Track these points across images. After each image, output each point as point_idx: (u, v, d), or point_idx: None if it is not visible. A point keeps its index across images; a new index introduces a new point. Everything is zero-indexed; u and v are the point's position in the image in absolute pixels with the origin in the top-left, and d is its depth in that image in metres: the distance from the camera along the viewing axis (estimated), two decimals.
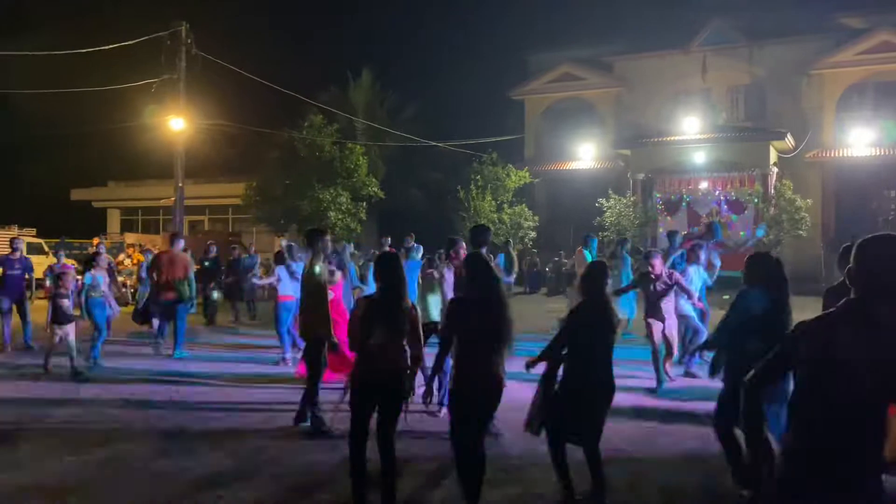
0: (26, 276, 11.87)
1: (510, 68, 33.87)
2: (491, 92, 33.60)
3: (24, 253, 12.66)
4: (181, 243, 11.39)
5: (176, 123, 21.42)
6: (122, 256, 22.51)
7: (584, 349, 4.79)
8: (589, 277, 4.99)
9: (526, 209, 26.64)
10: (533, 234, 26.90)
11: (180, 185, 21.99)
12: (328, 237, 7.09)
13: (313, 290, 6.75)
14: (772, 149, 25.58)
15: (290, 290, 10.10)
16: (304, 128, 26.40)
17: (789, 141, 25.73)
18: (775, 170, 25.43)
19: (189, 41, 21.21)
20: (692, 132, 25.58)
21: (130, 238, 29.51)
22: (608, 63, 30.70)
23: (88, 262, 10.63)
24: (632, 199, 25.76)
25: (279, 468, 5.73)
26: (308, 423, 6.71)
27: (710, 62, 27.75)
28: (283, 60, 39.84)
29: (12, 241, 12.04)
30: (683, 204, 26.40)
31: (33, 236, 27.83)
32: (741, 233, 25.05)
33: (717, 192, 25.91)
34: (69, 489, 5.26)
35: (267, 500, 5.05)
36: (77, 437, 6.56)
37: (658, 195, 26.76)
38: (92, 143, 36.93)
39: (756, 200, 24.76)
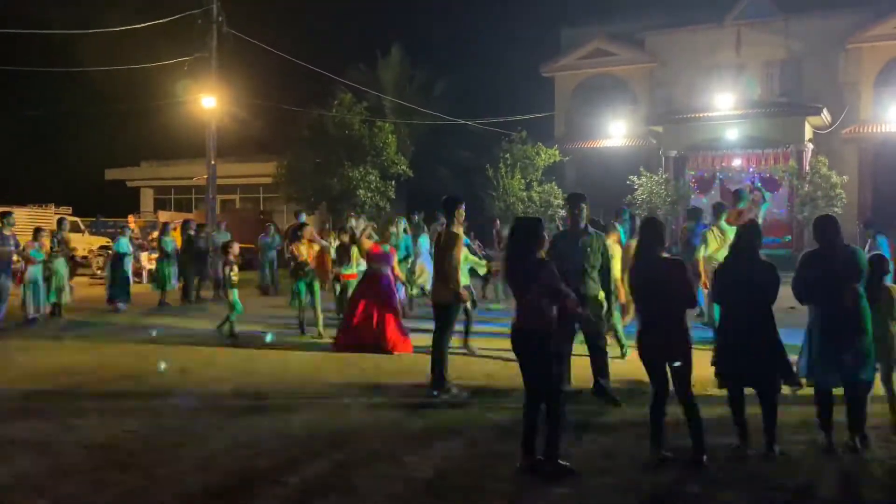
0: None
1: (541, 44, 33.80)
2: (521, 69, 33.53)
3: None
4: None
5: (207, 102, 21.72)
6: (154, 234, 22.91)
7: None
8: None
9: (556, 187, 26.62)
10: (562, 213, 26.88)
11: (212, 162, 22.34)
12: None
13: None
14: (807, 125, 25.24)
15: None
16: (334, 106, 26.59)
17: (825, 117, 25.36)
18: (810, 146, 25.11)
19: (220, 19, 21.46)
20: (726, 108, 25.31)
21: (164, 216, 30.07)
22: (640, 38, 30.42)
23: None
24: (664, 176, 25.63)
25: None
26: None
27: (744, 36, 27.37)
28: (313, 38, 40.03)
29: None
30: (716, 181, 26.21)
31: (69, 214, 28.50)
32: (776, 211, 24.80)
33: (751, 169, 25.67)
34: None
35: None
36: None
37: (691, 172, 26.59)
38: (125, 122, 37.55)
39: (790, 177, 24.48)
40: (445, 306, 7.18)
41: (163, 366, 8.68)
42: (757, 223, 5.75)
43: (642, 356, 5.22)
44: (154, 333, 11.19)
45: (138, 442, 5.74)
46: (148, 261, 18.74)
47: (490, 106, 31.05)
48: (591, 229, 6.93)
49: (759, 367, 5.21)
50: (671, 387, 5.12)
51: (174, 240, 15.68)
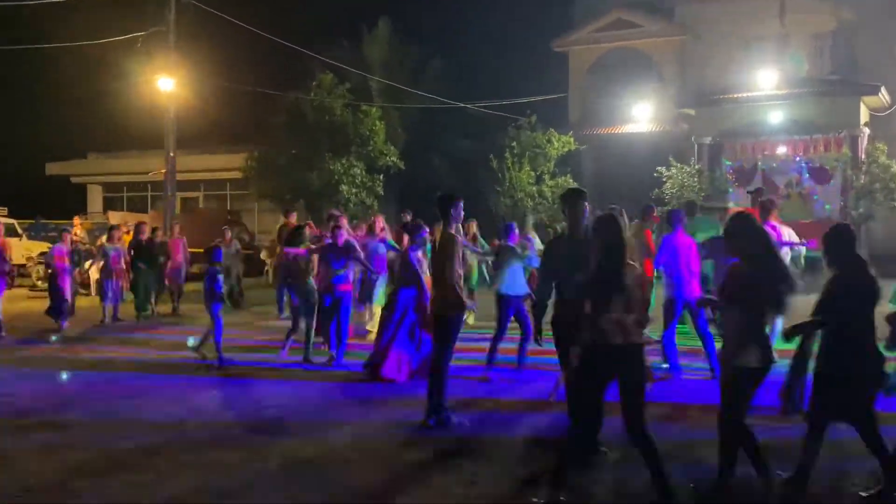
0: None
1: (552, 15, 33.78)
2: (529, 43, 33.47)
3: None
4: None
5: (165, 84, 21.76)
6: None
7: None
8: (839, 240, 5.42)
9: (570, 180, 26.60)
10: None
11: (171, 154, 22.37)
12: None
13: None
14: (863, 106, 25.25)
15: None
16: (312, 88, 26.60)
17: (884, 96, 25.38)
18: (867, 130, 25.13)
19: None
20: (768, 87, 25.31)
21: (115, 217, 30.04)
22: (669, 6, 30.49)
23: None
24: (696, 167, 25.63)
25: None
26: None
27: (789, 4, 27.37)
28: (288, 10, 40.05)
29: None
30: (758, 172, 26.23)
31: (4, 216, 28.48)
32: (827, 206, 24.85)
33: (798, 159, 25.68)
34: None
35: None
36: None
37: (728, 162, 26.59)
38: (69, 108, 37.48)
39: (844, 167, 24.50)
40: (445, 320, 7.19)
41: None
42: (849, 226, 5.77)
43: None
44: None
45: None
46: (97, 270, 18.67)
47: (494, 87, 31.07)
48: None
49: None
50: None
51: (119, 248, 15.57)
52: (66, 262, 14.57)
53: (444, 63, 33.38)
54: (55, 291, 14.43)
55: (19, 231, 26.28)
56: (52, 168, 39.67)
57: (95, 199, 40.43)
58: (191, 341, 10.90)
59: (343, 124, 26.28)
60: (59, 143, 38.60)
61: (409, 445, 6.66)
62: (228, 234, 17.20)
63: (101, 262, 15.49)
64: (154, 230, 16.71)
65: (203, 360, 10.47)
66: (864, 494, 5.30)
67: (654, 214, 11.56)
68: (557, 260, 6.39)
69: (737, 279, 5.15)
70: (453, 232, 7.30)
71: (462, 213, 7.43)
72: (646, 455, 4.93)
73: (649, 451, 4.91)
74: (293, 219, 16.56)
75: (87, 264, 16.99)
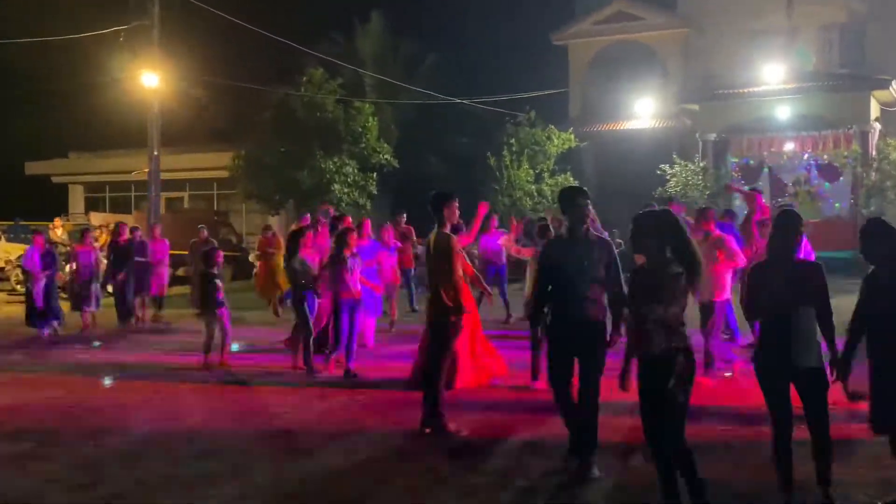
0: None
1: (551, 7, 33.75)
2: (528, 37, 33.50)
3: None
4: None
5: (149, 80, 21.69)
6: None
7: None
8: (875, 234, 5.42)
9: (571, 178, 26.60)
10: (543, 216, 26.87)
11: (155, 153, 22.30)
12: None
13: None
14: (873, 101, 25.28)
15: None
16: (303, 84, 26.53)
17: (894, 91, 25.39)
18: (877, 126, 25.15)
19: None
20: (775, 82, 25.33)
21: (97, 218, 29.94)
22: None
23: None
24: (701, 164, 25.64)
25: None
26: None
27: None
28: (276, 4, 40.01)
29: None
30: (764, 170, 26.23)
31: None
32: (836, 204, 24.86)
33: (806, 156, 25.72)
34: None
35: None
36: None
37: (733, 159, 26.62)
38: (50, 106, 37.37)
39: (853, 164, 24.50)
40: (443, 325, 7.16)
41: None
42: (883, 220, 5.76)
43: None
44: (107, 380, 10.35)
45: None
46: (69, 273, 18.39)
47: (491, 82, 31.06)
48: (592, 234, 6.75)
49: None
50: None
51: (91, 252, 15.14)
52: (38, 266, 14.00)
53: (440, 58, 33.36)
54: (28, 297, 14.25)
55: None
56: (32, 167, 39.57)
57: (77, 199, 40.32)
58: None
59: (334, 121, 26.22)
60: (39, 142, 38.50)
61: (403, 455, 6.63)
62: (204, 233, 16.95)
63: (74, 266, 15.10)
64: (133, 231, 16.32)
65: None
66: None
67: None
68: (556, 262, 6.16)
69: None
70: (448, 232, 7.26)
71: (457, 212, 7.40)
72: (683, 464, 4.86)
73: (687, 460, 4.83)
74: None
75: (67, 268, 16.85)
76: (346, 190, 25.89)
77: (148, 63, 21.66)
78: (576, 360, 6.00)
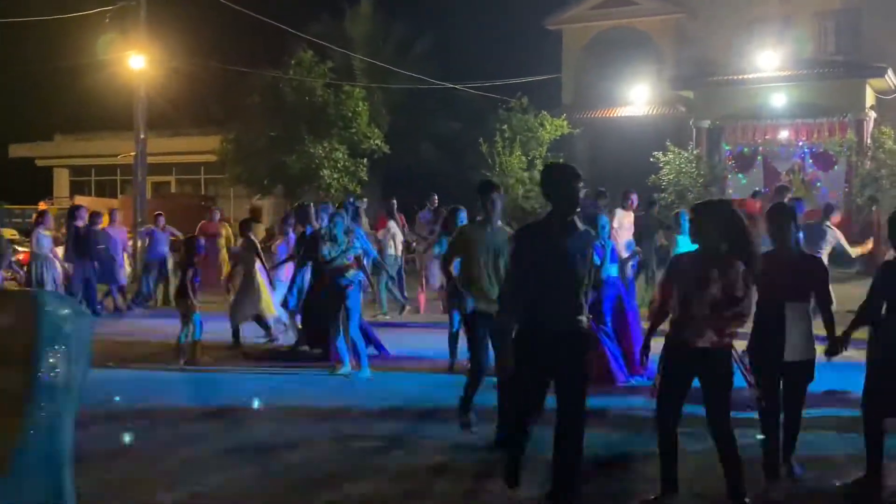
0: None
1: None
2: (521, 21, 33.41)
3: None
4: None
5: (136, 61, 21.56)
6: None
7: None
8: None
9: None
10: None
11: (142, 136, 22.20)
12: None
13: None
14: (869, 89, 25.29)
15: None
16: (291, 66, 26.42)
17: (890, 79, 25.42)
18: (873, 115, 25.18)
19: None
20: (770, 69, 25.33)
21: (83, 202, 29.83)
22: None
23: None
24: (695, 152, 25.65)
25: None
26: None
27: None
28: None
29: None
30: (758, 158, 26.27)
31: None
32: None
33: (801, 143, 25.73)
34: None
35: None
36: None
37: (727, 147, 26.61)
38: (34, 87, 37.17)
39: (848, 152, 24.57)
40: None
41: None
42: None
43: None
44: None
45: None
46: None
47: (484, 67, 30.94)
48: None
49: None
50: None
51: (48, 236, 14.12)
52: None
53: (432, 41, 33.25)
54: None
55: None
56: (16, 150, 39.43)
57: (62, 183, 40.21)
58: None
59: (324, 105, 26.14)
60: (23, 124, 38.31)
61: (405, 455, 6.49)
62: (162, 221, 16.34)
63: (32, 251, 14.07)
64: (93, 216, 15.05)
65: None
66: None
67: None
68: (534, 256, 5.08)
69: None
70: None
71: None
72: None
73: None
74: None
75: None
76: (335, 175, 25.83)
77: (135, 44, 21.52)
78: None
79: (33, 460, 2.60)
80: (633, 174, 25.54)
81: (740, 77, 25.99)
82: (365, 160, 26.68)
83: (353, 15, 33.36)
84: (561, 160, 26.63)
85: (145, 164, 22.73)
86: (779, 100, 25.25)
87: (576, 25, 31.75)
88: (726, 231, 4.85)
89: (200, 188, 37.46)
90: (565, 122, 27.40)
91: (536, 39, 32.51)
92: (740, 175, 26.07)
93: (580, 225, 5.12)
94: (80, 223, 14.43)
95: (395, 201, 16.63)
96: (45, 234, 13.88)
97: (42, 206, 25.37)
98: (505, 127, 26.62)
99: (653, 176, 24.75)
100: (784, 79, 25.19)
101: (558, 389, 4.94)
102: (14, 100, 37.72)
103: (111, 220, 16.21)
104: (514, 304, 5.02)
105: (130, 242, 19.22)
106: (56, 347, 2.64)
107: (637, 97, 29.45)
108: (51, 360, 2.62)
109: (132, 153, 22.96)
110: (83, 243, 14.27)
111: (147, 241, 16.63)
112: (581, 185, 5.10)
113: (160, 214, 16.67)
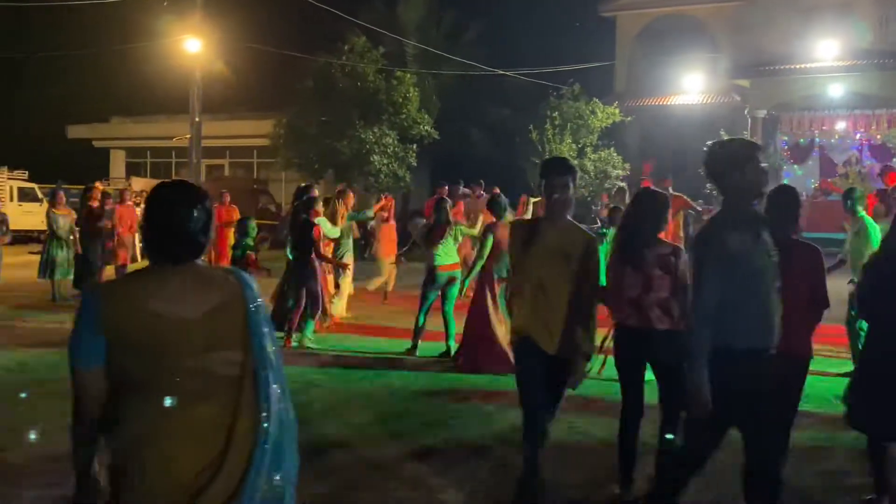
0: None
1: None
2: (574, 7, 33.24)
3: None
4: None
5: (192, 45, 21.90)
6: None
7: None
8: None
9: (615, 154, 26.46)
10: (623, 185, 26.73)
11: (197, 119, 22.56)
12: None
13: None
14: None
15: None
16: (344, 52, 26.61)
17: None
18: None
19: None
20: (828, 58, 24.97)
21: (138, 184, 30.39)
22: None
23: None
24: None
25: None
26: None
27: None
28: None
29: None
30: (815, 149, 25.93)
31: (24, 180, 28.95)
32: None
33: (858, 135, 25.36)
34: None
35: None
36: None
37: (783, 137, 26.35)
38: (93, 69, 37.88)
39: None
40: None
41: None
42: None
43: None
44: None
45: None
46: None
47: (535, 54, 30.87)
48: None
49: None
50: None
51: (67, 215, 14.38)
52: None
53: (483, 27, 33.23)
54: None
55: (40, 196, 26.69)
56: (74, 131, 40.15)
57: (118, 164, 40.87)
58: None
59: (375, 91, 26.27)
60: (81, 106, 39.05)
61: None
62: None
63: (48, 232, 14.32)
64: (105, 197, 15.23)
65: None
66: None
67: None
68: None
69: None
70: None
71: None
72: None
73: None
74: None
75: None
76: (385, 161, 25.99)
77: (191, 28, 21.87)
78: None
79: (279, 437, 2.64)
80: (686, 163, 25.33)
81: (797, 66, 25.64)
82: (414, 146, 26.80)
83: (406, 1, 33.45)
84: (612, 148, 26.57)
85: (200, 148, 23.12)
86: (836, 90, 24.89)
87: (630, 12, 31.52)
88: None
89: (253, 172, 37.87)
90: (617, 110, 27.24)
91: (589, 26, 32.37)
92: (796, 166, 25.77)
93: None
94: (94, 203, 14.56)
95: (446, 187, 16.71)
96: (58, 214, 14.25)
97: (98, 186, 25.87)
98: (555, 114, 26.55)
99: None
100: (842, 69, 24.81)
101: (758, 424, 4.12)
102: (73, 82, 38.53)
103: (121, 199, 16.28)
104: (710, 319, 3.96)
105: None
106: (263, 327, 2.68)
107: (691, 85, 29.17)
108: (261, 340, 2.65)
109: (187, 136, 23.35)
110: (91, 224, 14.38)
111: None
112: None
113: (108, 195, 16.25)
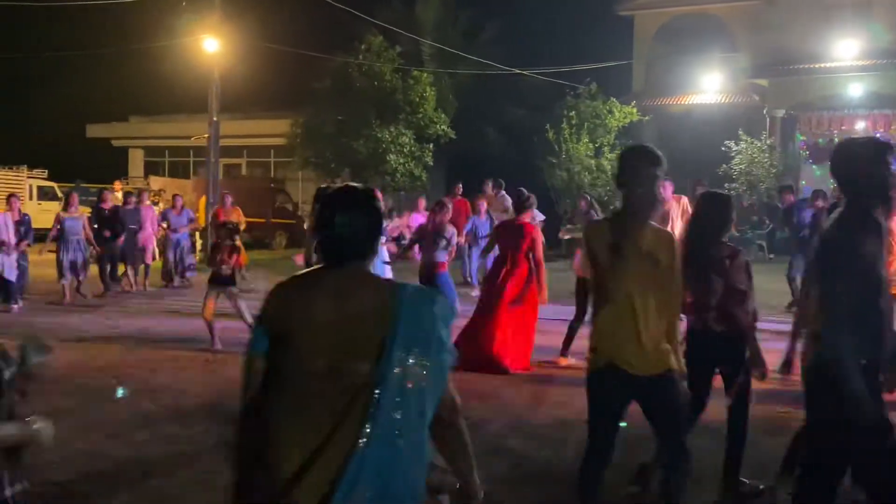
0: None
1: None
2: (591, 6, 33.14)
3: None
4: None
5: (210, 45, 21.97)
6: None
7: None
8: None
9: None
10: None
11: (215, 119, 22.64)
12: None
13: None
14: None
15: None
16: (361, 52, 26.68)
17: None
18: None
19: None
20: (848, 58, 24.84)
21: (156, 182, 30.57)
22: None
23: None
24: (768, 141, 25.32)
25: None
26: None
27: None
28: None
29: None
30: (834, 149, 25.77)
31: (44, 179, 29.21)
32: None
33: (878, 135, 25.13)
34: None
35: None
36: None
37: (802, 137, 26.21)
38: (111, 69, 38.11)
39: None
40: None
41: None
42: None
43: None
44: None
45: None
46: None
47: (551, 53, 30.81)
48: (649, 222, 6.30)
49: None
50: None
51: (78, 218, 14.54)
52: (11, 235, 12.86)
53: (500, 27, 33.20)
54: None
55: (59, 194, 26.90)
56: (93, 130, 40.46)
57: (137, 163, 41.14)
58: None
59: (392, 90, 26.34)
60: (100, 105, 39.35)
61: None
62: (180, 202, 17.02)
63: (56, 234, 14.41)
64: (127, 196, 16.21)
65: None
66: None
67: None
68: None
69: None
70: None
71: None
72: None
73: None
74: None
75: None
76: (401, 160, 26.05)
77: (209, 27, 21.94)
78: None
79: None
80: (704, 163, 25.26)
81: (817, 66, 25.55)
82: (431, 146, 26.85)
83: (424, 1, 33.48)
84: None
85: (218, 147, 23.16)
86: (856, 90, 24.77)
87: (648, 11, 31.41)
88: None
89: (270, 171, 38.03)
90: (634, 110, 27.19)
91: (606, 25, 32.24)
92: (815, 167, 25.61)
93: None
94: (105, 205, 15.35)
95: (460, 186, 16.78)
96: (66, 217, 14.44)
97: (117, 185, 26.09)
98: (572, 113, 26.50)
99: (724, 165, 24.48)
100: (862, 68, 24.69)
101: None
102: (92, 81, 38.77)
103: (140, 201, 16.71)
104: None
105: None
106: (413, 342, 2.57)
107: (709, 84, 29.04)
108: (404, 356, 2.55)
109: (205, 135, 23.42)
110: (108, 224, 15.05)
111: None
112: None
113: (130, 194, 17.25)
